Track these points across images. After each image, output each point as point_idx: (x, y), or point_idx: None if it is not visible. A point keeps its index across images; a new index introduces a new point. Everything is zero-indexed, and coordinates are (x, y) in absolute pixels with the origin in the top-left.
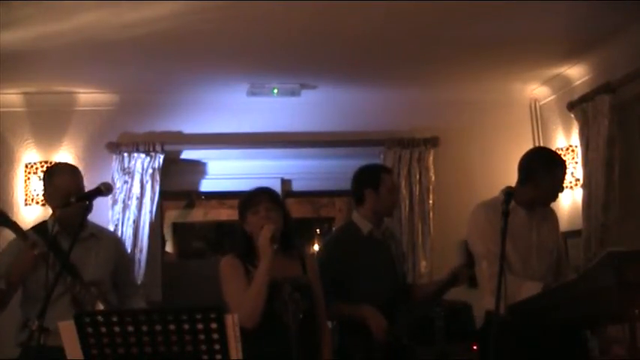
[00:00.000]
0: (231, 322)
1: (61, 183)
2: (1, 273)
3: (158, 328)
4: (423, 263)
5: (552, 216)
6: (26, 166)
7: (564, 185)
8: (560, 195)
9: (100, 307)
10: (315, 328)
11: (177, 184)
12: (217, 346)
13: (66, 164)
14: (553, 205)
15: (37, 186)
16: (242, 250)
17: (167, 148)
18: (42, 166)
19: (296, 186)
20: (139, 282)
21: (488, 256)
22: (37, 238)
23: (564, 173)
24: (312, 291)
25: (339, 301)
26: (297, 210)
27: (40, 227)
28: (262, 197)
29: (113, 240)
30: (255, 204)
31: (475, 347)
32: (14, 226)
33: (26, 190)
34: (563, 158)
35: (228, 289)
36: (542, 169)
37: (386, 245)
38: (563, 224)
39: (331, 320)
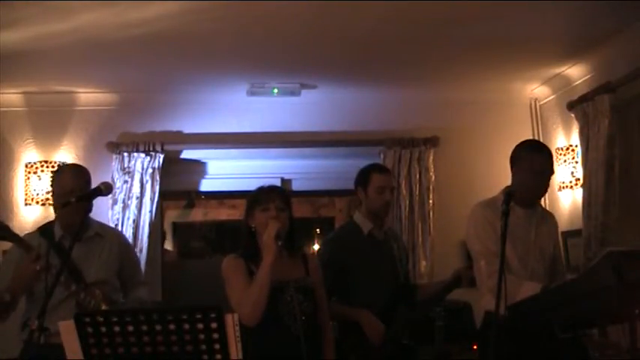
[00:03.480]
0: (231, 321)
1: (62, 182)
2: (4, 285)
3: (158, 328)
4: (423, 263)
5: (551, 219)
6: (26, 166)
7: (546, 175)
8: (549, 190)
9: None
10: (318, 329)
11: (177, 184)
12: (217, 346)
13: (72, 164)
14: (553, 203)
15: (37, 186)
16: (245, 247)
17: (167, 148)
18: (42, 166)
19: (296, 186)
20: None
21: (486, 255)
22: (41, 242)
23: (544, 162)
24: (315, 293)
25: (337, 301)
26: (297, 210)
27: (45, 228)
28: (275, 196)
29: (117, 237)
30: (266, 201)
31: (475, 347)
32: (17, 239)
33: (26, 190)
34: (563, 156)
35: (230, 287)
36: (521, 153)
37: (387, 245)
38: (564, 224)
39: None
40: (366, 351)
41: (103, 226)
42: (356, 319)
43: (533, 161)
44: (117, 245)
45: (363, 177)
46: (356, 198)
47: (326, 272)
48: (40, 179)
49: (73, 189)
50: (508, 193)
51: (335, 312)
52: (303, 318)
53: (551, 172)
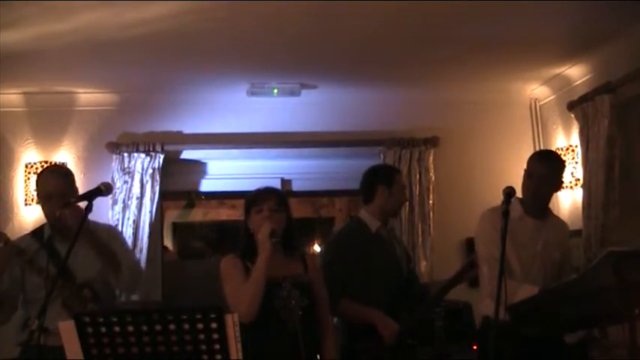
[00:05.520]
0: (232, 321)
1: (39, 185)
2: None
3: (158, 328)
4: (423, 263)
5: (562, 227)
6: (26, 166)
7: (538, 179)
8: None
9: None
10: (315, 325)
11: (177, 184)
12: (217, 346)
13: (53, 166)
14: (553, 203)
15: None
16: (243, 247)
17: (167, 148)
18: (42, 166)
19: (296, 186)
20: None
21: (489, 260)
22: (31, 243)
23: (538, 167)
24: (312, 289)
25: (348, 300)
26: (297, 210)
27: (36, 232)
28: (268, 197)
29: (105, 231)
30: (260, 203)
31: (475, 347)
32: None
33: (26, 190)
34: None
35: (227, 286)
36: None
37: (391, 244)
38: None
39: (338, 317)
40: (377, 352)
41: (94, 224)
42: (368, 320)
43: (529, 165)
44: (105, 233)
45: (388, 175)
46: (357, 197)
47: (333, 270)
48: None
49: (46, 192)
50: (508, 193)
51: (346, 311)
52: (300, 313)
53: (549, 178)
